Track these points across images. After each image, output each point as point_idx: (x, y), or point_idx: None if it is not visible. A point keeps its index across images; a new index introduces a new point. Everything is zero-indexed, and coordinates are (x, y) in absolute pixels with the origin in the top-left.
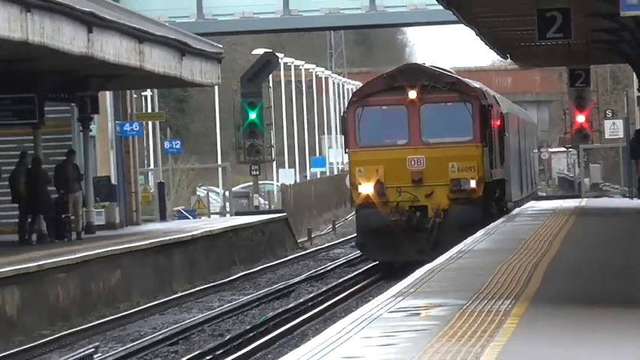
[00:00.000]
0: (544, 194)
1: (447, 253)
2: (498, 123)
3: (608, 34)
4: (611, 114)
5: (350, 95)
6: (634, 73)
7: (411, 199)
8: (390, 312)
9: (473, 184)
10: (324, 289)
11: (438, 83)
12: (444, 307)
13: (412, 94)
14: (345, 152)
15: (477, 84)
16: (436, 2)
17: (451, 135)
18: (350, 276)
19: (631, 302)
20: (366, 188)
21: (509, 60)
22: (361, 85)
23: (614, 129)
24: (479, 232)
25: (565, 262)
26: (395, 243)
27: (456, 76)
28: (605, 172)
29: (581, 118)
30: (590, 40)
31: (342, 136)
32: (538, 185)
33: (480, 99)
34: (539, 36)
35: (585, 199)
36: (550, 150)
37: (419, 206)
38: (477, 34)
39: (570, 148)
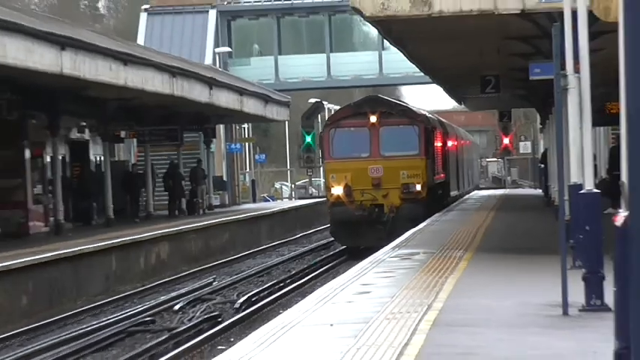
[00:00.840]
0: (483, 187)
1: (421, 224)
2: (440, 141)
3: (523, 90)
4: (524, 138)
5: None
6: (537, 114)
7: (371, 198)
8: (390, 257)
9: (418, 187)
10: None
11: (392, 110)
12: (423, 254)
13: (373, 119)
14: (322, 163)
15: (423, 111)
16: (419, 70)
17: (402, 150)
18: None
19: (532, 250)
20: (337, 190)
21: (463, 105)
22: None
23: (525, 147)
24: (444, 210)
25: (497, 227)
26: (359, 232)
27: (407, 105)
28: (520, 173)
29: (506, 141)
30: (513, 93)
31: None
32: (480, 181)
33: (425, 123)
34: (481, 91)
35: (508, 189)
36: (487, 160)
37: (377, 204)
38: (444, 90)
39: (499, 158)
